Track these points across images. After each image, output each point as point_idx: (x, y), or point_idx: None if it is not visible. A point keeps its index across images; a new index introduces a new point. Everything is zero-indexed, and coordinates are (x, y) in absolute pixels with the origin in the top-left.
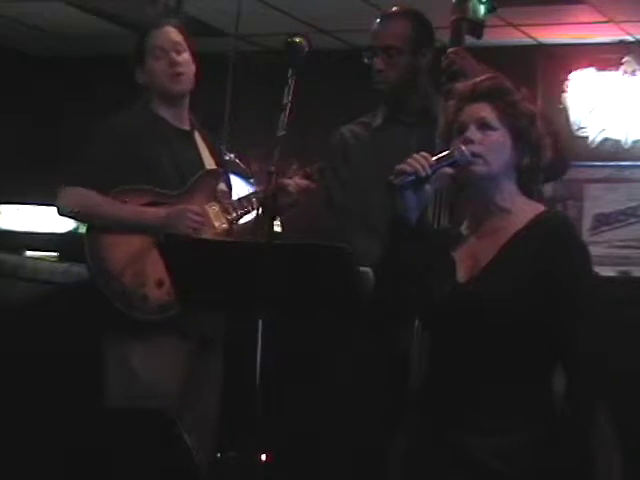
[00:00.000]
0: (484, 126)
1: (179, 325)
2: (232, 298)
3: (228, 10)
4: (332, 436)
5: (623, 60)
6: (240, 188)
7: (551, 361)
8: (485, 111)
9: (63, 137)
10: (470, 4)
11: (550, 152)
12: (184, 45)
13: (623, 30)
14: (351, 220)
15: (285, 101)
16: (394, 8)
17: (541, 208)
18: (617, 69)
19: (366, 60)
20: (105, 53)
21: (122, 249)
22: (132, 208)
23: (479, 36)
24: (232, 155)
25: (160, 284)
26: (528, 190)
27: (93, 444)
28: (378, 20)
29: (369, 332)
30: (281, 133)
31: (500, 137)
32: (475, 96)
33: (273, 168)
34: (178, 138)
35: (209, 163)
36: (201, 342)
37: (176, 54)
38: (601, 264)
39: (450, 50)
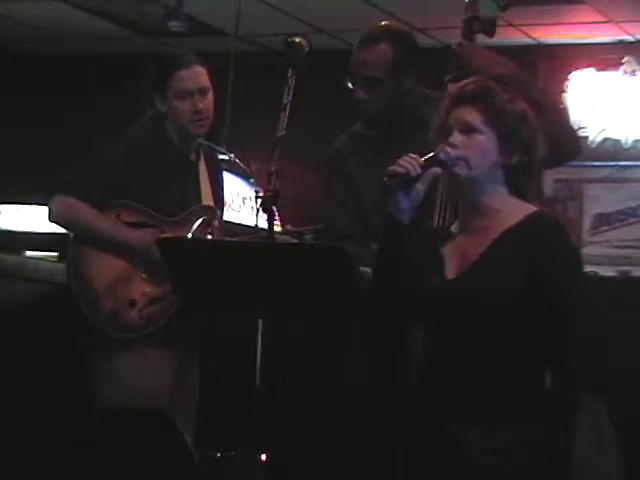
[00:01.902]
0: (469, 130)
1: (158, 338)
2: (232, 298)
3: (228, 10)
4: (332, 435)
5: (623, 60)
6: (240, 188)
7: (542, 359)
8: (470, 115)
9: (63, 137)
10: (481, 2)
11: (545, 146)
12: (209, 86)
13: (623, 30)
14: (352, 240)
15: (285, 101)
16: (373, 29)
17: (532, 209)
18: (617, 69)
19: (349, 86)
20: (105, 53)
21: (104, 262)
22: (118, 228)
23: (492, 34)
24: (232, 155)
25: (132, 304)
26: (521, 189)
27: (93, 444)
28: (357, 44)
29: (369, 331)
30: (281, 133)
31: (485, 140)
32: (460, 100)
33: (273, 168)
34: (183, 168)
35: (207, 197)
36: (180, 353)
37: (201, 98)
38: (601, 264)
39: (455, 44)
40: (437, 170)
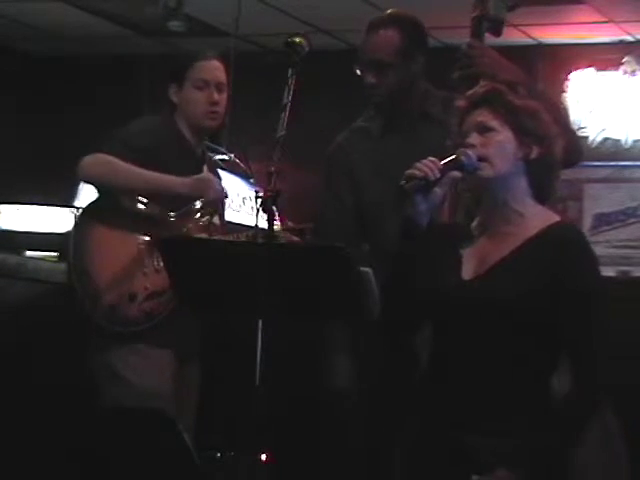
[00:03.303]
0: (484, 129)
1: (158, 337)
2: (232, 298)
3: (228, 10)
4: (334, 435)
5: (623, 60)
6: (240, 188)
7: (551, 364)
8: (483, 115)
9: (63, 137)
10: (491, 1)
11: (562, 141)
12: (226, 83)
13: (623, 30)
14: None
15: (285, 101)
16: (381, 15)
17: (555, 218)
18: (617, 69)
19: (358, 72)
20: (105, 53)
21: (106, 253)
22: (157, 174)
23: (498, 34)
24: (232, 155)
25: (133, 298)
26: (544, 186)
27: (93, 444)
28: (366, 30)
29: (377, 334)
30: (281, 133)
31: (502, 136)
32: (473, 104)
33: (273, 168)
34: (190, 164)
35: None
36: (180, 353)
37: (217, 92)
38: (601, 264)
39: (466, 44)
40: (456, 174)
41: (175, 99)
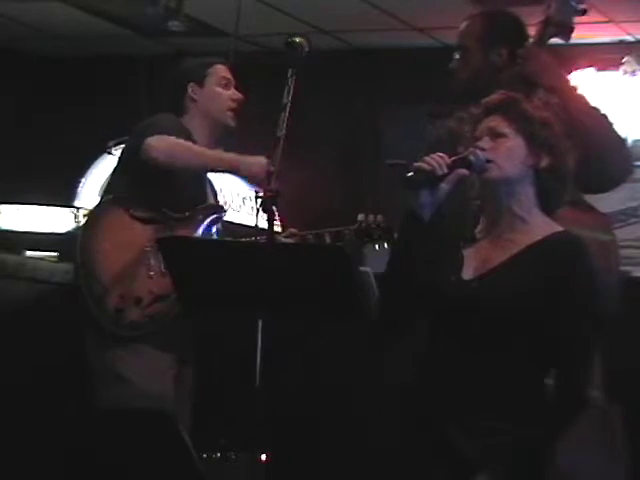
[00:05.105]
0: (496, 135)
1: (160, 339)
2: (232, 298)
3: (228, 10)
4: (332, 435)
5: (623, 60)
6: (240, 188)
7: (544, 367)
8: (496, 121)
9: (63, 137)
10: (555, 5)
11: (573, 157)
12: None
13: (623, 30)
14: None
15: (285, 101)
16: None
17: (557, 228)
18: (617, 69)
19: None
20: (105, 53)
21: (114, 257)
22: (222, 153)
23: (567, 39)
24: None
25: (138, 302)
26: (551, 194)
27: (93, 444)
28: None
29: (375, 331)
30: (281, 133)
31: (512, 143)
32: (488, 111)
33: (273, 168)
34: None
35: (210, 198)
36: (180, 354)
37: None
38: None
39: (525, 46)
40: (464, 172)
41: (195, 97)
